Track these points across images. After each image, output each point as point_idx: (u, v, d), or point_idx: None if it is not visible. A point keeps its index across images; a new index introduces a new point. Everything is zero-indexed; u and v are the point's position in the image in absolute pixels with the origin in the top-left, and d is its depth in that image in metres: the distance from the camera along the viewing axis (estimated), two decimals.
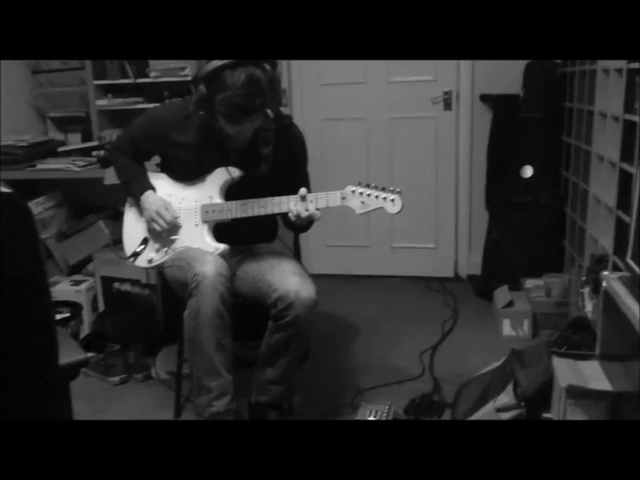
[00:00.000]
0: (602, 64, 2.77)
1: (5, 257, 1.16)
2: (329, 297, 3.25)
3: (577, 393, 1.87)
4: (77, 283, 3.32)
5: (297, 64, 3.95)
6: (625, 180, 2.40)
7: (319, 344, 3.04)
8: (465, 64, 3.78)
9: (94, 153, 3.32)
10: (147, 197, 2.32)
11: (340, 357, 3.05)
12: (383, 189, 2.06)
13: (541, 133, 3.56)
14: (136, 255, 2.39)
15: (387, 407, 2.35)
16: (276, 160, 2.23)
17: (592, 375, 1.93)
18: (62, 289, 3.26)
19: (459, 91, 3.83)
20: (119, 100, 3.49)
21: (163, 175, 2.38)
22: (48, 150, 3.42)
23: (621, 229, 2.43)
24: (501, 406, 2.16)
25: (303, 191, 2.12)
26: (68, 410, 1.44)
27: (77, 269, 3.43)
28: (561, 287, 3.19)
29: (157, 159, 2.44)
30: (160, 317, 3.14)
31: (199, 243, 2.27)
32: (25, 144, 3.31)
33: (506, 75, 3.66)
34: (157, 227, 2.29)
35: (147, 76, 3.41)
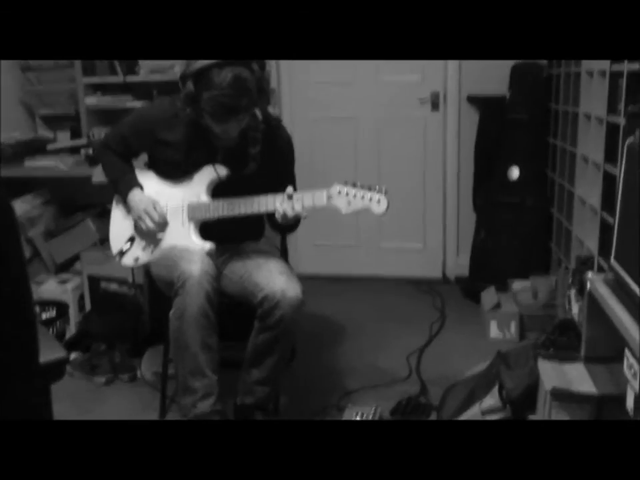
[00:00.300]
0: (586, 66, 2.78)
1: None
2: (316, 297, 3.25)
3: (562, 396, 1.86)
4: (64, 281, 3.29)
5: (285, 64, 3.94)
6: (610, 181, 2.39)
7: (305, 345, 3.03)
8: (452, 65, 3.78)
9: (82, 151, 3.30)
10: (135, 195, 2.31)
11: (326, 358, 3.05)
12: (369, 188, 2.05)
13: (527, 134, 3.58)
14: (122, 253, 2.38)
15: (373, 409, 2.35)
16: (263, 160, 2.23)
17: (577, 377, 1.93)
18: (49, 288, 3.24)
19: (446, 92, 3.84)
20: (108, 98, 3.48)
21: (151, 173, 2.37)
22: (36, 148, 3.40)
23: (605, 230, 2.42)
24: (486, 408, 2.16)
25: (289, 189, 2.11)
26: (48, 410, 1.42)
27: (64, 267, 3.41)
28: (548, 288, 3.19)
29: (144, 157, 2.43)
30: (146, 317, 3.12)
31: (185, 241, 2.26)
32: (13, 141, 3.29)
33: (493, 77, 3.67)
34: (144, 226, 2.28)
35: (136, 74, 3.41)
